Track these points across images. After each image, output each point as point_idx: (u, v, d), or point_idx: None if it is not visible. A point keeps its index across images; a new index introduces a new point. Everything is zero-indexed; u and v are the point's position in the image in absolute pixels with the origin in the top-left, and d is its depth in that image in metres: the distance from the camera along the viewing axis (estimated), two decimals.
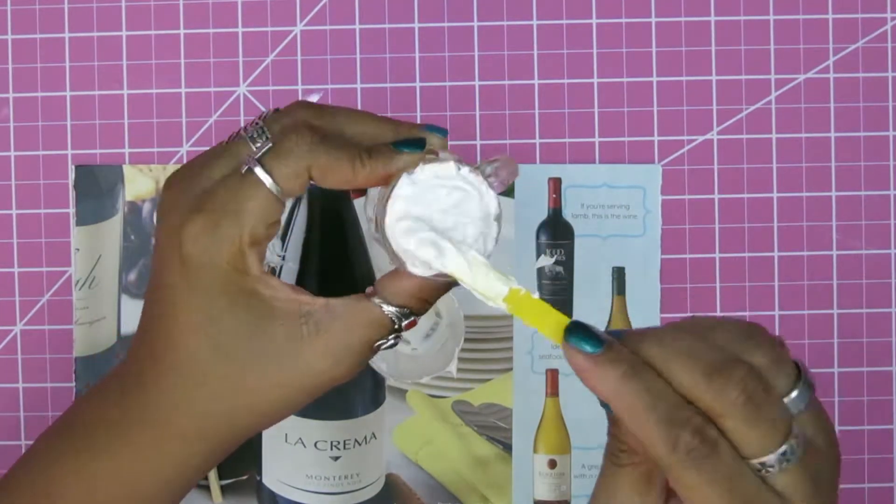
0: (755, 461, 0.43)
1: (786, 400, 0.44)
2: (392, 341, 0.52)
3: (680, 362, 0.44)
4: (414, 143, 0.51)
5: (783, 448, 0.43)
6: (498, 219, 0.51)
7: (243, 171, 0.51)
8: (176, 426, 0.53)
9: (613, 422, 0.47)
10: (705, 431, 0.43)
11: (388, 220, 0.49)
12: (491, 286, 0.49)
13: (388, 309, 0.51)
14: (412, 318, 0.52)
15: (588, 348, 0.45)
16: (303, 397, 0.53)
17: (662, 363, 0.45)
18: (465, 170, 0.50)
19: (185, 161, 0.73)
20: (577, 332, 0.46)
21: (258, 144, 0.52)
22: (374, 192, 0.53)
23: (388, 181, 0.50)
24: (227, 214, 0.51)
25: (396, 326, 0.52)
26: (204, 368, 0.52)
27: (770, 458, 0.43)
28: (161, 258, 0.53)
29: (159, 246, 0.53)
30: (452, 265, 0.49)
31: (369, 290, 0.52)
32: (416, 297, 0.51)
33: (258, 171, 0.51)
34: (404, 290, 0.51)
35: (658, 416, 0.43)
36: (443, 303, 0.67)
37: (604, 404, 0.46)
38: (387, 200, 0.49)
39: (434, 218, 0.50)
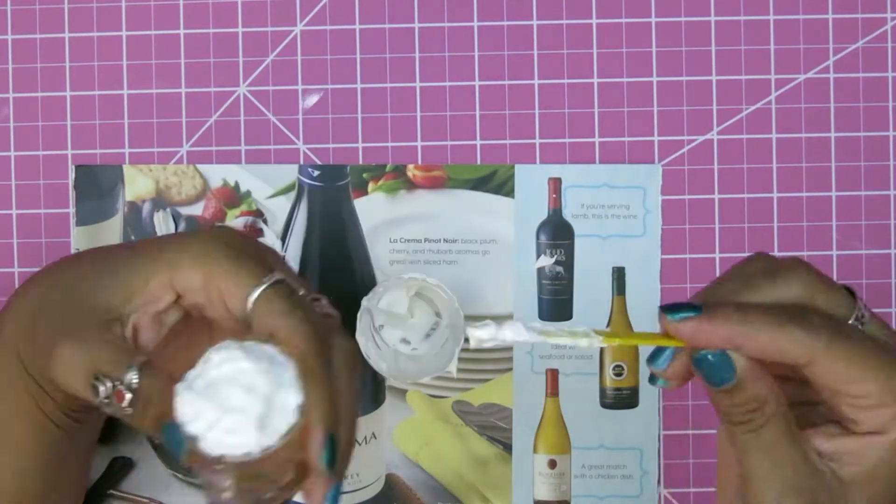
0: (852, 320, 0.51)
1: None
2: (102, 388, 0.51)
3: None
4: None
5: (859, 304, 0.51)
6: (299, 407, 0.48)
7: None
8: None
9: (728, 392, 0.49)
10: (826, 318, 0.49)
11: (188, 409, 0.48)
12: (576, 331, 0.50)
13: (133, 363, 0.50)
14: (127, 394, 0.51)
15: (692, 313, 0.48)
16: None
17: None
18: (262, 348, 0.48)
19: (185, 161, 0.73)
20: (673, 309, 0.49)
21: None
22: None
23: None
24: (86, 343, 0.51)
25: (119, 380, 0.51)
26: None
27: (860, 311, 0.51)
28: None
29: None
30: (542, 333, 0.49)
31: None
32: (146, 393, 0.50)
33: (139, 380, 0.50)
34: (156, 376, 0.51)
35: (791, 321, 0.48)
36: (443, 303, 0.67)
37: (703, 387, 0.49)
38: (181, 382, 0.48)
39: (232, 412, 0.47)
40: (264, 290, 0.50)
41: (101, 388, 0.50)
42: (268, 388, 0.47)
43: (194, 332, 0.54)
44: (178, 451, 0.48)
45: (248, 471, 0.48)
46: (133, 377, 0.50)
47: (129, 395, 0.50)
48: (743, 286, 0.50)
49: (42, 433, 0.55)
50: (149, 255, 0.53)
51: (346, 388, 0.51)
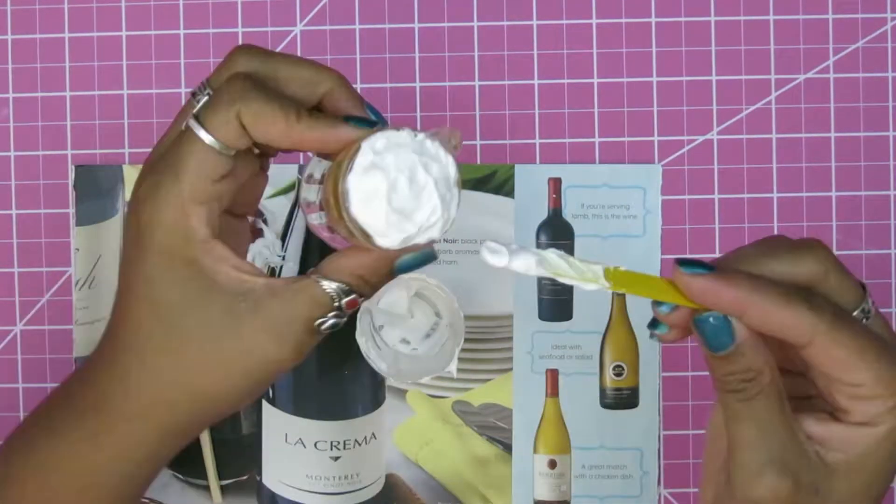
0: (858, 311, 0.51)
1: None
2: (332, 320, 0.50)
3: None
4: (363, 121, 0.50)
5: (867, 298, 0.51)
6: (458, 184, 0.51)
7: (183, 127, 0.50)
8: (120, 409, 0.51)
9: (725, 359, 0.50)
10: (833, 304, 0.49)
11: (353, 190, 0.48)
12: (587, 270, 0.50)
13: (328, 285, 0.50)
14: (352, 297, 0.50)
15: (704, 270, 0.49)
16: (248, 383, 0.51)
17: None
18: (421, 136, 0.49)
19: None
20: (687, 263, 0.49)
21: (198, 99, 0.51)
22: (316, 171, 0.52)
23: (326, 147, 0.49)
24: (168, 172, 0.50)
25: (336, 304, 0.50)
26: (146, 341, 0.50)
27: (866, 305, 0.51)
28: (124, 231, 0.52)
29: (125, 219, 0.52)
30: (551, 267, 0.49)
31: (312, 269, 0.50)
32: (356, 275, 0.50)
33: (191, 123, 0.49)
34: (345, 267, 0.50)
35: (798, 298, 0.48)
36: (443, 303, 0.67)
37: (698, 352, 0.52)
38: (347, 171, 0.48)
39: (397, 185, 0.49)
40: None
41: (329, 323, 0.50)
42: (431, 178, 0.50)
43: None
44: (430, 259, 0.52)
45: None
46: (339, 287, 0.50)
47: (354, 297, 0.50)
48: (761, 254, 0.50)
49: None
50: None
51: None
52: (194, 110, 0.50)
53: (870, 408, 0.50)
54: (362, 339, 0.65)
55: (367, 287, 0.50)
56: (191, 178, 0.49)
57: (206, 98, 0.50)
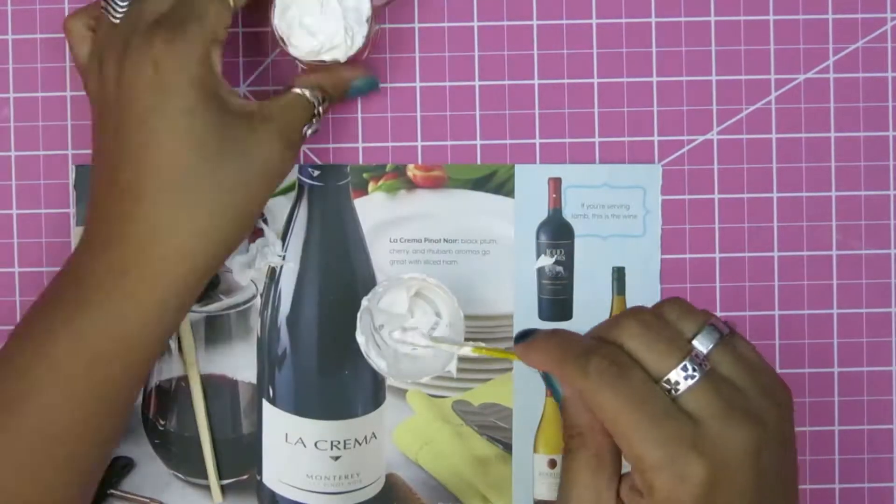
0: (664, 383, 0.49)
1: (694, 341, 0.50)
2: (315, 125, 0.64)
3: (598, 328, 0.53)
4: None
5: (683, 363, 0.49)
6: (369, 21, 0.66)
7: None
8: (159, 247, 0.58)
9: (562, 411, 0.54)
10: (616, 356, 0.49)
11: (277, 4, 0.65)
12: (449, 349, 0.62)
13: (310, 94, 0.64)
14: (326, 103, 0.65)
15: (521, 340, 0.55)
16: (264, 190, 0.62)
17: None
18: None
19: None
20: (521, 334, 0.55)
21: None
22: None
23: None
24: (192, 20, 0.59)
25: (315, 111, 0.64)
26: (185, 170, 0.58)
27: (673, 375, 0.49)
28: (124, 88, 0.59)
29: (116, 79, 0.60)
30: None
31: (288, 86, 0.64)
32: (321, 85, 0.65)
33: None
34: (313, 80, 0.65)
35: (573, 353, 0.50)
36: (443, 302, 0.67)
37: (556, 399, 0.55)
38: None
39: (309, 6, 0.65)
40: None
41: (314, 128, 0.65)
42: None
43: None
44: (373, 87, 0.70)
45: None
46: (315, 96, 0.65)
47: (326, 105, 0.66)
48: (608, 323, 0.52)
49: None
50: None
51: None
52: None
53: (643, 476, 0.49)
54: (362, 338, 0.65)
55: (330, 97, 0.65)
56: (212, 23, 0.60)
57: None
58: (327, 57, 0.66)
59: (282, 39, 0.66)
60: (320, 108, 0.64)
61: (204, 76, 0.59)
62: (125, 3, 0.62)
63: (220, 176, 0.59)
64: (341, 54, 0.66)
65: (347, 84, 0.67)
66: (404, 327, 0.65)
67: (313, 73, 0.66)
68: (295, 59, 0.67)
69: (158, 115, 0.58)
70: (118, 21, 0.62)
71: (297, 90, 0.64)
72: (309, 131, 0.64)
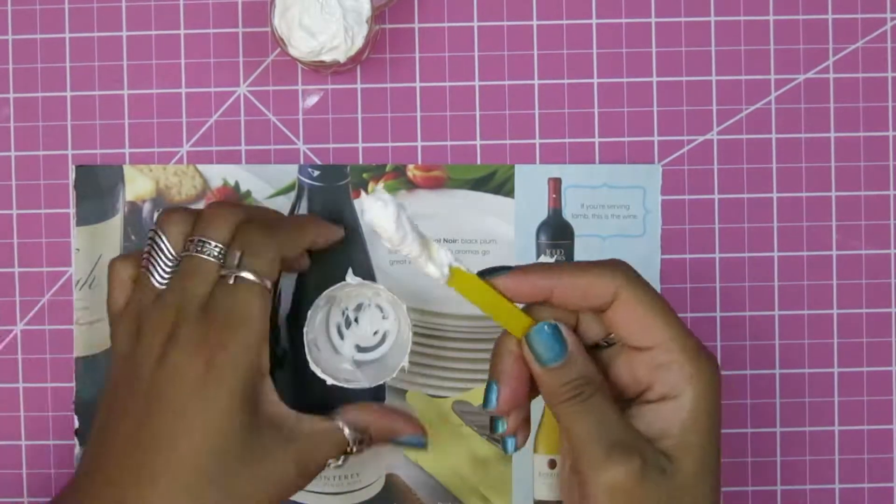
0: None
1: None
2: (342, 461, 0.60)
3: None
4: None
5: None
6: (369, 21, 0.65)
7: (231, 280, 0.58)
8: None
9: (559, 370, 0.56)
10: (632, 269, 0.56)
11: (277, 5, 0.65)
12: (438, 256, 0.56)
13: (350, 435, 0.60)
14: (363, 444, 0.61)
15: (504, 272, 0.57)
16: (266, 503, 0.58)
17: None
18: None
19: (185, 161, 0.73)
20: (488, 271, 0.57)
21: (220, 254, 0.59)
22: None
23: None
24: (244, 322, 0.57)
25: (349, 449, 0.60)
26: (202, 474, 0.55)
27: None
28: (168, 371, 0.57)
29: (159, 359, 0.58)
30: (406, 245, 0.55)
31: (333, 413, 0.61)
32: (365, 430, 0.61)
33: (246, 274, 0.58)
34: (363, 421, 0.61)
35: (599, 263, 0.56)
36: (385, 301, 0.68)
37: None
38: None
39: (309, 7, 0.64)
40: None
41: (339, 463, 0.62)
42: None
43: None
44: (419, 446, 0.65)
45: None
46: (354, 436, 0.62)
47: (363, 446, 0.63)
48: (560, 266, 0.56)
49: None
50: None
51: None
52: (234, 263, 0.58)
53: (669, 376, 0.53)
54: (317, 368, 0.65)
55: (370, 441, 0.62)
56: (261, 322, 0.58)
57: (234, 252, 0.59)
58: (327, 57, 0.66)
59: (281, 40, 0.66)
60: (354, 448, 0.61)
61: (254, 378, 0.58)
62: (170, 272, 0.60)
63: (231, 485, 0.56)
64: (341, 55, 0.66)
65: (396, 436, 0.64)
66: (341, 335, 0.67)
67: (365, 412, 0.62)
68: (295, 59, 0.66)
69: (200, 412, 0.56)
70: (161, 288, 0.60)
71: (339, 423, 0.61)
72: (334, 465, 0.61)
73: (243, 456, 0.56)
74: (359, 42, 0.66)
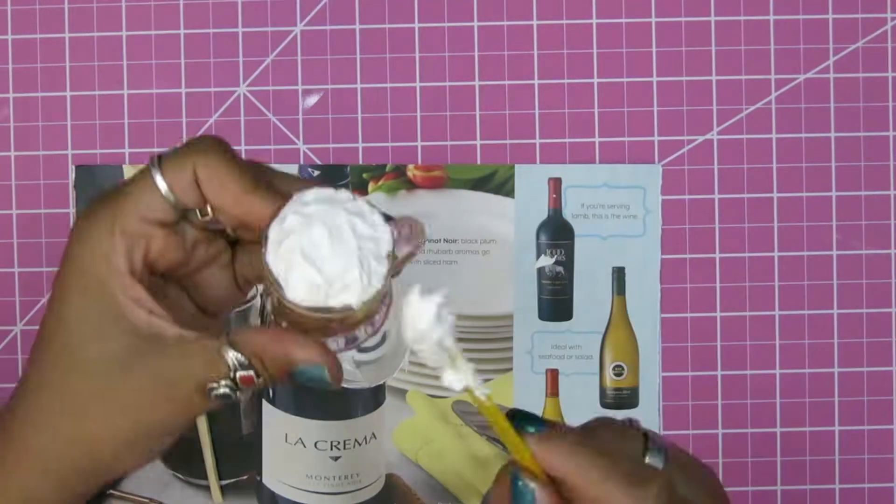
0: None
1: (648, 460, 0.48)
2: (224, 390, 0.47)
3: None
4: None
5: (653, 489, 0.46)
6: (390, 259, 0.47)
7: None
8: (28, 446, 0.49)
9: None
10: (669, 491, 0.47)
11: (271, 236, 0.46)
12: (463, 367, 0.48)
13: (230, 354, 0.47)
14: (248, 373, 0.48)
15: (533, 429, 0.49)
16: (135, 436, 0.48)
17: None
18: (361, 200, 0.47)
19: None
20: (521, 418, 0.49)
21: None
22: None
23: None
24: (110, 199, 0.49)
25: (231, 376, 0.47)
26: (53, 371, 0.49)
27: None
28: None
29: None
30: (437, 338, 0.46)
31: (229, 330, 0.49)
32: (257, 355, 0.47)
33: (151, 160, 0.48)
34: (251, 342, 0.48)
35: (620, 473, 0.46)
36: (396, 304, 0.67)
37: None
38: (271, 220, 0.46)
39: (313, 235, 0.47)
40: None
41: (220, 392, 0.47)
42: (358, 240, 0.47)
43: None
44: (321, 381, 0.48)
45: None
46: (237, 358, 0.47)
47: (251, 374, 0.47)
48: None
49: None
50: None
51: None
52: (158, 153, 0.49)
53: None
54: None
55: (264, 371, 0.48)
56: (125, 209, 0.48)
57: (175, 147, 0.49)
58: (336, 302, 0.47)
59: (276, 282, 0.46)
60: (238, 376, 0.48)
61: (93, 266, 0.48)
62: None
63: (81, 393, 0.48)
64: (355, 297, 0.47)
65: (292, 365, 0.48)
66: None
67: (257, 334, 0.48)
68: (293, 306, 0.47)
69: (52, 293, 0.49)
70: None
71: (221, 344, 0.47)
72: (215, 393, 0.47)
73: (89, 366, 0.48)
74: (376, 282, 0.47)
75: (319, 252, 0.46)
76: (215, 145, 0.49)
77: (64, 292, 0.48)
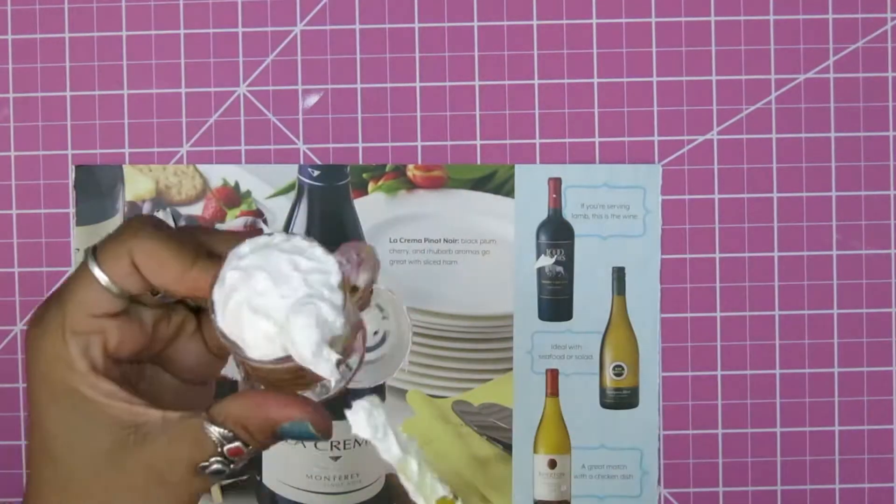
0: None
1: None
2: (216, 466, 0.47)
3: None
4: None
5: None
6: (344, 288, 0.45)
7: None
8: None
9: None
10: None
11: (216, 300, 0.44)
12: (431, 484, 0.47)
13: (212, 430, 0.47)
14: (236, 445, 0.47)
15: None
16: None
17: None
18: (298, 238, 0.46)
19: (185, 161, 0.73)
20: None
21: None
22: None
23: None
24: (55, 300, 0.48)
25: (219, 450, 0.47)
26: (36, 471, 0.48)
27: None
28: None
29: None
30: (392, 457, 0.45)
31: (209, 406, 0.48)
32: (241, 425, 0.47)
33: (87, 253, 0.48)
34: (231, 414, 0.47)
35: None
36: (384, 299, 0.67)
37: None
38: (212, 284, 0.45)
39: (262, 293, 0.44)
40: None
41: (213, 469, 0.47)
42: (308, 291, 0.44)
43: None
44: (309, 436, 0.48)
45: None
46: (220, 433, 0.47)
47: (238, 446, 0.47)
48: None
49: None
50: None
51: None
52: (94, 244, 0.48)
53: None
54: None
55: (251, 439, 0.47)
56: (70, 309, 0.47)
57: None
58: (296, 352, 0.44)
59: (234, 345, 0.44)
60: (226, 449, 0.47)
61: (55, 372, 0.47)
62: None
63: (73, 495, 0.48)
64: (311, 344, 0.44)
65: (275, 426, 0.47)
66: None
67: (238, 403, 0.47)
68: (259, 364, 0.45)
69: (33, 403, 0.48)
70: None
71: (202, 421, 0.47)
72: (208, 470, 0.47)
73: (77, 471, 0.47)
74: (338, 322, 0.44)
75: (267, 300, 0.44)
76: (148, 226, 0.48)
77: (39, 406, 0.48)
